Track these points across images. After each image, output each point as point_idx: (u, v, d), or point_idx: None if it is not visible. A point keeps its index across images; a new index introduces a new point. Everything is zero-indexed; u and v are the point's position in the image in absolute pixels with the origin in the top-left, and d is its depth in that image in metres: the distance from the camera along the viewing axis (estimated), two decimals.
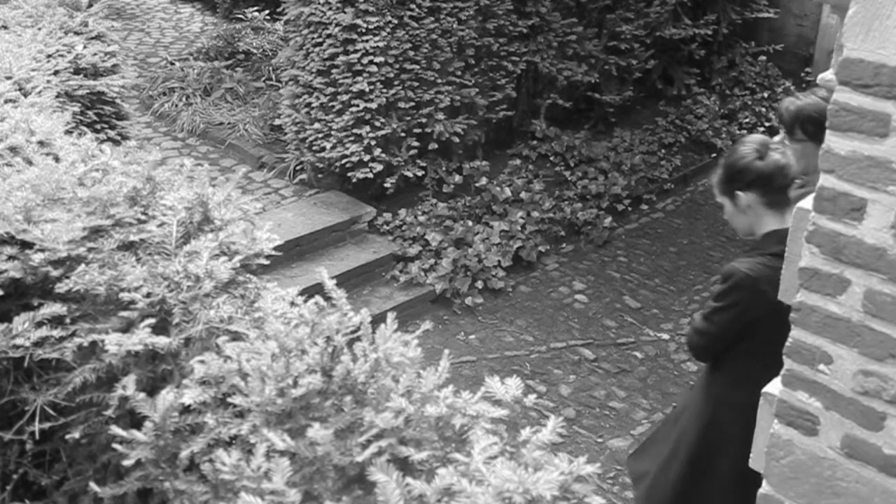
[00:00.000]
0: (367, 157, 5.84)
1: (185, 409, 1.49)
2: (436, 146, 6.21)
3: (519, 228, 6.10)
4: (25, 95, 3.10)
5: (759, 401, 2.62)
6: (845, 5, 1.90)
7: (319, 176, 6.24)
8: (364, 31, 5.65)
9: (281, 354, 1.47)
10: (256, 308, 1.71)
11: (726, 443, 2.97)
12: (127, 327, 1.63)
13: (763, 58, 8.34)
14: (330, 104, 5.86)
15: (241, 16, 8.50)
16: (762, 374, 2.63)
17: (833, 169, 1.99)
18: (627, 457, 3.50)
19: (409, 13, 5.80)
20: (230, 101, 7.30)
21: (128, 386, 1.50)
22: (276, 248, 1.94)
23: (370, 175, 5.90)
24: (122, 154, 2.19)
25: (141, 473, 1.47)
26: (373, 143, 5.85)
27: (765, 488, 2.32)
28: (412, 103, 5.98)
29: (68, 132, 2.58)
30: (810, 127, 3.13)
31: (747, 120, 7.91)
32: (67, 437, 1.63)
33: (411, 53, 5.88)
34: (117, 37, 4.77)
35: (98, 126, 3.99)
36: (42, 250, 1.73)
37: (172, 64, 7.92)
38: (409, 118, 6.04)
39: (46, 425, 1.65)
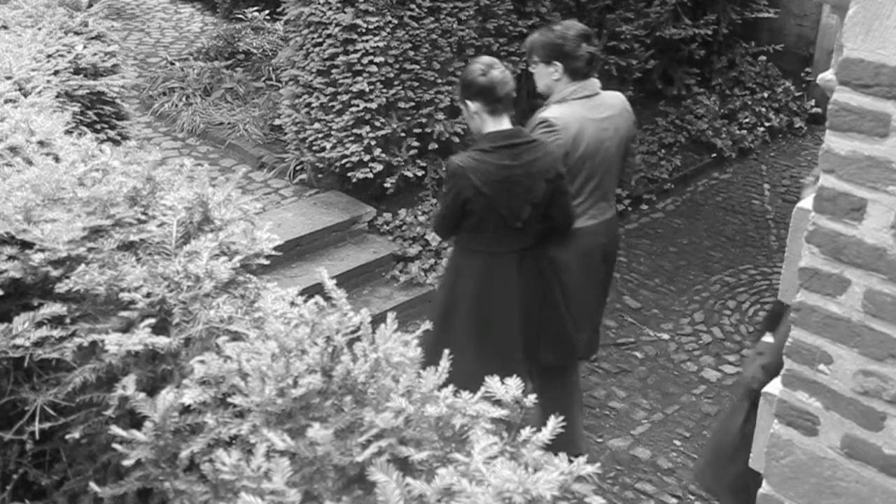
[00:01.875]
0: (367, 157, 5.84)
1: (185, 409, 1.49)
2: (436, 146, 6.21)
3: None
4: (25, 95, 3.10)
5: (487, 266, 3.74)
6: (845, 5, 1.90)
7: (319, 176, 6.24)
8: (364, 31, 5.65)
9: (281, 354, 1.47)
10: (256, 308, 1.71)
11: (461, 302, 3.81)
12: (127, 327, 1.63)
13: (763, 58, 8.34)
14: (330, 104, 5.86)
15: (241, 16, 8.50)
16: (482, 246, 3.75)
17: (833, 169, 1.99)
18: None
19: (409, 13, 5.80)
20: (230, 101, 7.30)
21: (128, 386, 1.50)
22: (276, 248, 1.94)
23: (370, 175, 5.90)
24: (122, 154, 2.19)
25: (141, 473, 1.47)
26: (373, 143, 5.85)
27: (765, 488, 2.32)
28: (412, 103, 5.99)
29: (68, 132, 2.58)
30: (541, 51, 4.01)
31: (747, 120, 7.91)
32: (67, 437, 1.63)
33: (411, 53, 5.88)
34: (117, 37, 4.77)
35: (98, 126, 3.99)
36: (42, 250, 1.73)
37: (172, 64, 7.92)
38: (409, 118, 6.04)
39: (46, 425, 1.65)
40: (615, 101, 4.11)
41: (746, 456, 2.84)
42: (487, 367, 3.84)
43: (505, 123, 3.72)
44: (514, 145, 3.67)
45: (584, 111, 3.93)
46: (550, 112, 3.94)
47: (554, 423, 1.43)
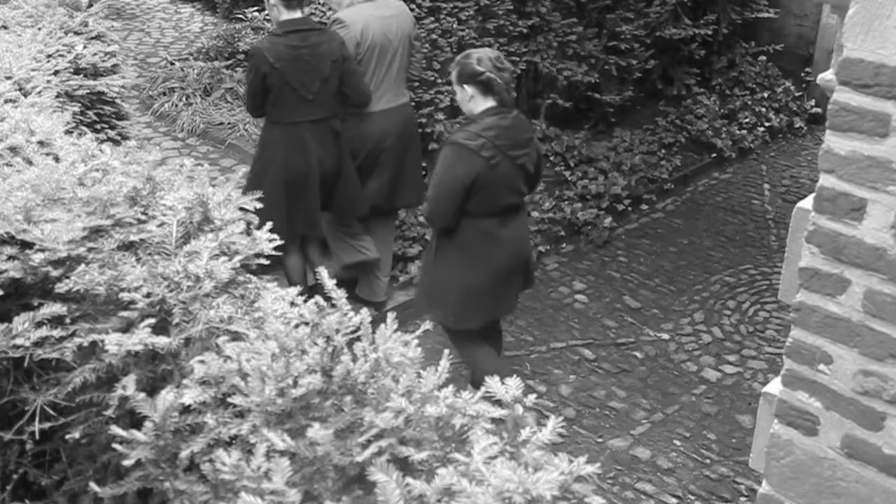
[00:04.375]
0: None
1: (185, 409, 1.49)
2: (436, 146, 6.20)
3: None
4: (25, 95, 3.10)
5: (287, 134, 4.72)
6: (845, 5, 1.90)
7: None
8: None
9: (281, 354, 1.47)
10: (256, 308, 1.71)
11: (269, 167, 4.73)
12: (127, 327, 1.63)
13: (763, 58, 8.34)
14: None
15: (241, 16, 8.49)
16: (282, 117, 4.68)
17: (833, 169, 1.99)
18: None
19: None
20: (230, 101, 7.30)
21: (128, 386, 1.50)
22: (276, 248, 1.94)
23: None
24: (122, 154, 2.19)
25: (141, 473, 1.47)
26: None
27: (765, 488, 2.32)
28: (412, 103, 5.98)
29: (68, 132, 2.58)
30: None
31: (747, 120, 7.91)
32: (67, 437, 1.62)
33: None
34: (117, 37, 4.77)
35: (98, 126, 3.98)
36: (42, 250, 1.73)
37: (172, 64, 7.92)
38: None
39: (46, 425, 1.65)
40: (397, 4, 5.04)
41: (432, 276, 4.27)
42: (297, 224, 4.80)
43: (297, 15, 4.65)
44: (303, 30, 4.62)
45: (370, 11, 4.85)
46: (342, 13, 4.87)
47: (553, 423, 1.43)
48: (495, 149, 3.91)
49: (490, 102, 3.96)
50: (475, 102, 3.99)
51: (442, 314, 4.20)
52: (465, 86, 3.98)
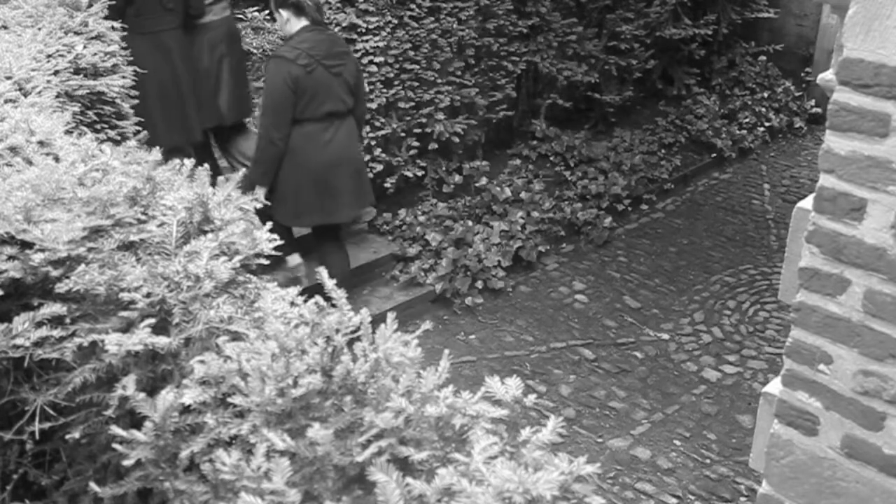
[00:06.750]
0: (367, 157, 5.84)
1: (185, 409, 1.48)
2: (436, 146, 6.21)
3: (519, 228, 6.10)
4: (25, 95, 3.10)
5: (153, 43, 5.07)
6: (845, 5, 1.90)
7: None
8: (364, 31, 5.65)
9: (281, 354, 1.47)
10: (256, 308, 1.71)
11: (150, 71, 4.69)
12: (127, 327, 1.63)
13: (763, 58, 8.34)
14: None
15: (240, 16, 8.48)
16: (147, 28, 4.95)
17: (833, 169, 1.99)
18: None
19: (409, 13, 5.80)
20: None
21: (128, 386, 1.50)
22: (276, 249, 1.94)
23: (370, 175, 5.90)
24: (122, 154, 2.19)
25: (141, 473, 1.47)
26: (373, 143, 5.84)
27: (765, 488, 2.32)
28: (412, 103, 5.98)
29: (68, 132, 2.58)
30: None
31: (747, 120, 7.92)
32: (67, 437, 1.62)
33: (411, 53, 5.88)
34: (117, 37, 4.77)
35: (98, 126, 3.98)
36: (42, 250, 1.73)
37: None
38: (409, 118, 6.03)
39: (46, 425, 1.65)
40: None
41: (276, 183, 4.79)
42: (176, 132, 5.10)
43: None
44: None
45: None
46: None
47: (553, 423, 1.43)
48: (310, 58, 4.50)
49: (304, 22, 4.59)
50: (291, 24, 4.61)
51: (283, 215, 4.72)
52: (281, 10, 4.60)
